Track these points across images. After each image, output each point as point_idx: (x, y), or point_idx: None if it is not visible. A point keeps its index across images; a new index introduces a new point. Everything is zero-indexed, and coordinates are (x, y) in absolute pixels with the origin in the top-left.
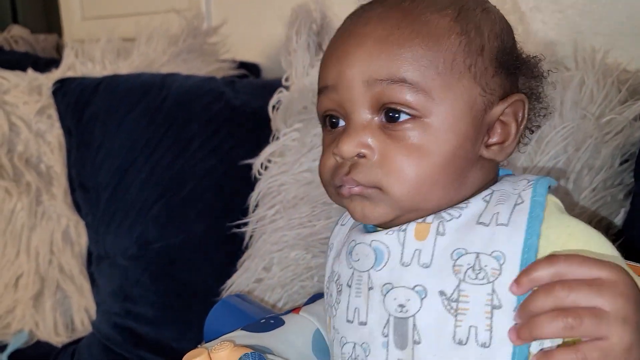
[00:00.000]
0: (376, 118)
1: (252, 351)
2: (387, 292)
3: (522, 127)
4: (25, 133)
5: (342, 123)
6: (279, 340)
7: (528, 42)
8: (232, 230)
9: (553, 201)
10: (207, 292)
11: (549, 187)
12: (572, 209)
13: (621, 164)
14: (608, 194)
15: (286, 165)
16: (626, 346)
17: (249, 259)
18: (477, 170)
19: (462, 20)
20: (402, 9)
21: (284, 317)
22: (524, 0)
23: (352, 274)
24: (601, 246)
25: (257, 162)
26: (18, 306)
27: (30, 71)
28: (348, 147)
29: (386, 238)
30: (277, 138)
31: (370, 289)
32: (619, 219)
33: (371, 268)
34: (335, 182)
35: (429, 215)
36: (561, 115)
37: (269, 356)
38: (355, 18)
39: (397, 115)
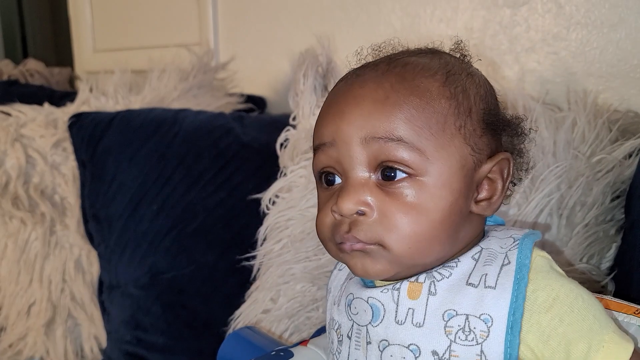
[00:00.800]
0: (373, 176)
1: None
2: (384, 349)
3: (507, 183)
4: (41, 165)
5: (338, 180)
6: None
7: (524, 81)
8: (241, 262)
9: (541, 256)
10: (217, 322)
11: (535, 243)
12: (559, 254)
13: (612, 200)
14: (600, 229)
15: (293, 200)
16: None
17: (256, 291)
18: (468, 225)
19: (450, 85)
20: (395, 74)
21: (292, 350)
22: (519, 42)
23: (352, 326)
24: (585, 308)
25: (265, 197)
26: (30, 333)
27: (46, 105)
28: (348, 205)
29: (381, 296)
30: (285, 174)
31: (368, 343)
32: (610, 254)
33: (369, 323)
34: (336, 239)
35: (425, 270)
36: (554, 155)
37: None
38: (351, 80)
39: (393, 173)
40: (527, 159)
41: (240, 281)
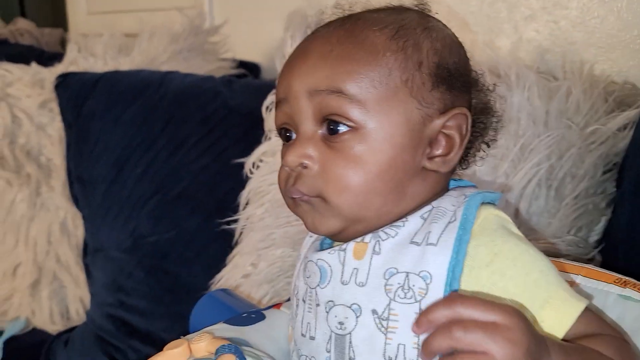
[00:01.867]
0: (319, 130)
1: (229, 343)
2: (330, 310)
3: (465, 139)
4: (27, 125)
5: (294, 136)
6: (259, 333)
7: (521, 50)
8: (222, 226)
9: (494, 215)
10: (198, 286)
11: (490, 202)
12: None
13: (604, 173)
14: (590, 202)
15: (276, 165)
16: None
17: (237, 255)
18: (419, 182)
19: (399, 38)
20: (345, 29)
21: (265, 312)
22: (519, 10)
23: (306, 290)
24: (531, 262)
25: (248, 162)
26: (15, 294)
27: (34, 65)
28: (291, 158)
29: (329, 257)
30: (269, 138)
31: (317, 305)
32: (600, 227)
33: (317, 285)
34: (287, 192)
35: (372, 229)
36: (546, 125)
37: (247, 349)
38: (308, 36)
39: (337, 127)
40: (495, 117)
41: (222, 246)
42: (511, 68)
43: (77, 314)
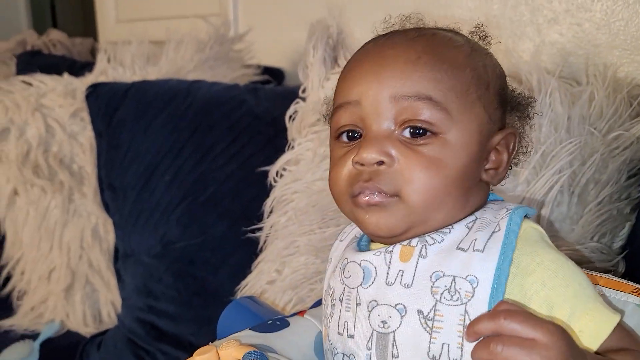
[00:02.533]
0: (397, 131)
1: (255, 350)
2: (373, 309)
3: (512, 157)
4: (60, 134)
5: (359, 137)
6: (284, 340)
7: (543, 53)
8: (251, 233)
9: (533, 228)
10: (224, 291)
11: (527, 215)
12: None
13: (628, 178)
14: (614, 207)
15: (300, 173)
16: None
17: (262, 262)
18: (477, 192)
19: (473, 58)
20: (426, 39)
21: (289, 319)
22: (541, 13)
23: (344, 289)
24: (571, 275)
25: (272, 170)
26: (50, 297)
27: (66, 75)
28: (370, 154)
29: (374, 258)
30: (292, 147)
31: (358, 304)
32: (624, 233)
33: (359, 285)
34: (353, 191)
35: (423, 234)
36: (568, 131)
37: (272, 355)
38: (381, 42)
39: (419, 131)
40: (526, 142)
41: (248, 252)
42: (532, 74)
43: (109, 317)
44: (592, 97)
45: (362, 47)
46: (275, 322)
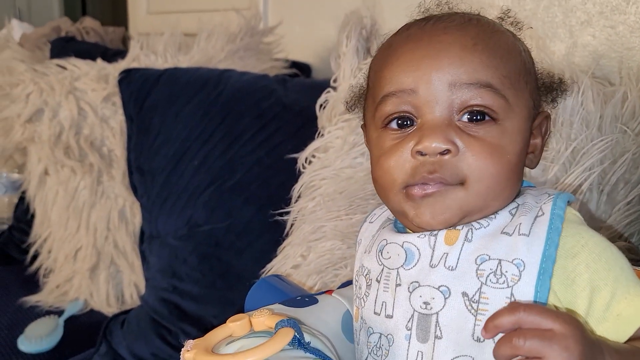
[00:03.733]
0: (456, 117)
1: (288, 318)
2: (414, 290)
3: (545, 140)
4: (92, 118)
5: (413, 124)
6: (313, 316)
7: (575, 55)
8: (275, 218)
9: (573, 213)
10: (249, 275)
11: (568, 201)
12: (596, 226)
13: None
14: None
15: (328, 160)
16: None
17: (288, 246)
18: (521, 176)
19: (518, 44)
20: (475, 25)
21: (318, 297)
22: (574, 14)
23: (382, 270)
24: (614, 259)
25: (302, 157)
26: (76, 276)
27: (99, 61)
28: (436, 143)
29: (418, 240)
30: (322, 135)
31: (398, 285)
32: None
33: (401, 266)
34: (411, 181)
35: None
36: (600, 129)
37: (303, 326)
38: (429, 27)
39: (480, 117)
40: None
41: (273, 237)
42: (565, 72)
43: (131, 298)
44: (625, 97)
45: (403, 32)
46: (305, 298)
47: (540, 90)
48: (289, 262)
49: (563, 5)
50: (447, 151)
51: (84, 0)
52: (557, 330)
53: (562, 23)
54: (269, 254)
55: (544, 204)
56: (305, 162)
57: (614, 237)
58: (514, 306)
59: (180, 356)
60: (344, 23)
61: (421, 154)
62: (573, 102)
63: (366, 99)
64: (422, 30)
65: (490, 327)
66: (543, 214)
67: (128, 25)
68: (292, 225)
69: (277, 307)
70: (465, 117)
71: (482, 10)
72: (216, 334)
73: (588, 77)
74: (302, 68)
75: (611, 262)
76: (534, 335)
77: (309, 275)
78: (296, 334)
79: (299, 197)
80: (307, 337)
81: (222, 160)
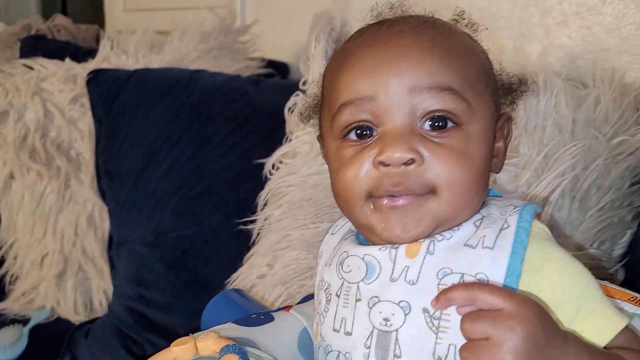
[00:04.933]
0: (419, 124)
1: (233, 343)
2: (374, 305)
3: (508, 142)
4: (59, 120)
5: (373, 134)
6: (266, 335)
7: (551, 55)
8: (239, 226)
9: (540, 227)
10: (216, 283)
11: (535, 213)
12: (569, 233)
13: (632, 185)
14: (615, 214)
15: (295, 167)
16: None
17: (254, 255)
18: (488, 179)
19: (475, 45)
20: (431, 27)
21: (274, 314)
22: (551, 15)
23: (342, 284)
24: (578, 275)
25: (269, 162)
26: (42, 283)
27: (67, 60)
28: (400, 153)
29: (379, 253)
30: (290, 140)
31: (357, 300)
32: (624, 241)
33: (361, 280)
34: (375, 194)
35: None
36: (572, 134)
37: (251, 350)
38: (384, 31)
39: (443, 123)
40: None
41: (242, 245)
42: (539, 74)
43: (100, 306)
44: (598, 100)
45: (357, 37)
46: (260, 316)
47: (499, 92)
48: (255, 271)
49: (539, 5)
50: (412, 161)
51: None
52: (506, 310)
53: (539, 23)
54: (237, 262)
55: (510, 216)
56: (273, 168)
57: (586, 244)
58: (470, 283)
59: None
60: (313, 24)
61: (384, 164)
62: (546, 105)
63: (322, 109)
64: (377, 35)
65: (442, 299)
66: (508, 226)
67: (104, 23)
68: (258, 233)
69: (229, 326)
70: (428, 125)
71: (436, 12)
72: (158, 359)
73: (561, 80)
74: (279, 67)
75: (575, 278)
76: (482, 316)
77: (275, 285)
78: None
79: (265, 204)
80: None
81: (191, 164)
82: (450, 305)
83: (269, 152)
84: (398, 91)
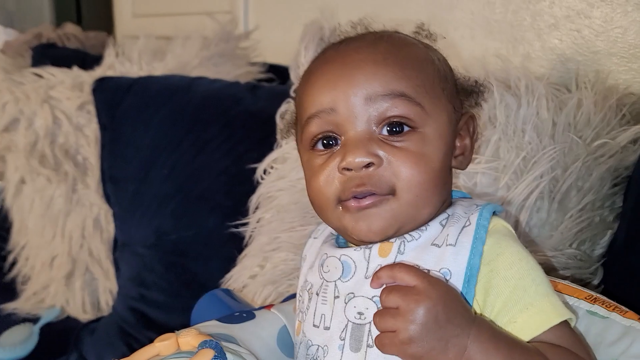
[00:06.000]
0: (377, 131)
1: (211, 339)
2: (349, 301)
3: (474, 139)
4: (67, 126)
5: (337, 143)
6: (247, 331)
7: (543, 58)
8: (230, 228)
9: (503, 225)
10: (213, 284)
11: (495, 212)
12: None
13: (613, 186)
14: (597, 214)
15: (285, 171)
16: (405, 340)
17: (247, 256)
18: (449, 181)
19: (430, 54)
20: (386, 41)
21: (256, 312)
22: (542, 18)
23: (322, 283)
24: (526, 270)
25: (260, 167)
26: (52, 284)
27: (75, 68)
28: (359, 157)
29: (354, 254)
30: (281, 146)
31: (336, 297)
32: (605, 241)
33: (338, 279)
34: (343, 197)
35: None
36: (552, 137)
37: (227, 345)
38: (342, 48)
39: (399, 128)
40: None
41: (237, 247)
42: (521, 79)
43: (107, 305)
44: (580, 103)
45: (320, 56)
46: (242, 314)
47: (460, 94)
48: (247, 272)
49: (531, 8)
50: (371, 164)
51: (79, 5)
52: (416, 287)
53: (530, 27)
54: (232, 263)
55: (472, 214)
56: (264, 172)
57: (565, 244)
58: (393, 265)
59: None
60: (304, 33)
61: (347, 169)
62: (527, 110)
63: (295, 124)
64: (336, 52)
65: (374, 278)
66: (470, 224)
67: (114, 29)
68: (250, 235)
69: (212, 323)
70: (385, 130)
71: (399, 27)
72: (142, 354)
73: (543, 85)
74: (280, 71)
75: (522, 273)
76: (395, 291)
77: (265, 285)
78: (216, 354)
79: (257, 207)
80: (229, 357)
81: (189, 169)
82: (381, 284)
83: (262, 157)
84: (355, 101)
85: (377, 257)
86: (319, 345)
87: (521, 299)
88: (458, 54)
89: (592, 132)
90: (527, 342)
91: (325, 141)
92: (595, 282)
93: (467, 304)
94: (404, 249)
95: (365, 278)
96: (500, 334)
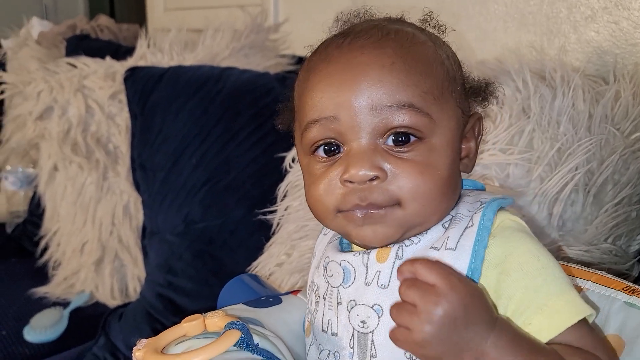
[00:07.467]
0: (381, 142)
1: (237, 320)
2: (352, 309)
3: (479, 140)
4: (99, 115)
5: (340, 150)
6: (272, 316)
7: (579, 51)
8: (257, 216)
9: (511, 219)
10: (240, 272)
11: (503, 207)
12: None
13: None
14: (633, 209)
15: None
16: (418, 340)
17: (274, 244)
18: (459, 183)
19: (439, 52)
20: (393, 40)
21: (282, 297)
22: (579, 10)
23: (327, 287)
24: (538, 269)
25: (289, 156)
26: (82, 270)
27: (108, 59)
28: (363, 171)
29: (353, 259)
30: None
31: (339, 303)
32: None
33: (340, 285)
34: (344, 208)
35: (414, 235)
36: (588, 129)
37: (255, 327)
38: (345, 46)
39: (405, 138)
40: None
41: (266, 235)
42: (556, 70)
43: (135, 291)
44: (618, 95)
45: (322, 51)
46: (269, 298)
47: (468, 93)
48: (273, 260)
49: (567, 0)
50: (376, 177)
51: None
52: (437, 286)
53: (567, 19)
54: (260, 251)
55: (475, 213)
56: (292, 161)
57: (600, 238)
58: (415, 259)
59: (132, 354)
60: (334, 22)
61: (349, 182)
62: (562, 101)
63: (294, 120)
64: (339, 51)
65: (398, 272)
66: (472, 225)
67: (147, 22)
68: (278, 223)
69: (239, 307)
70: (391, 140)
71: (404, 14)
72: (169, 334)
73: (579, 76)
74: None
75: (534, 272)
76: (416, 286)
77: (292, 273)
78: (243, 335)
79: (285, 195)
80: (256, 339)
81: (218, 158)
82: (401, 278)
83: (290, 147)
84: (359, 111)
85: (375, 262)
86: (329, 351)
87: (534, 301)
88: (491, 46)
89: (630, 124)
90: (546, 344)
91: (327, 147)
92: (631, 279)
93: (490, 306)
94: (402, 254)
95: (365, 285)
96: (521, 338)
